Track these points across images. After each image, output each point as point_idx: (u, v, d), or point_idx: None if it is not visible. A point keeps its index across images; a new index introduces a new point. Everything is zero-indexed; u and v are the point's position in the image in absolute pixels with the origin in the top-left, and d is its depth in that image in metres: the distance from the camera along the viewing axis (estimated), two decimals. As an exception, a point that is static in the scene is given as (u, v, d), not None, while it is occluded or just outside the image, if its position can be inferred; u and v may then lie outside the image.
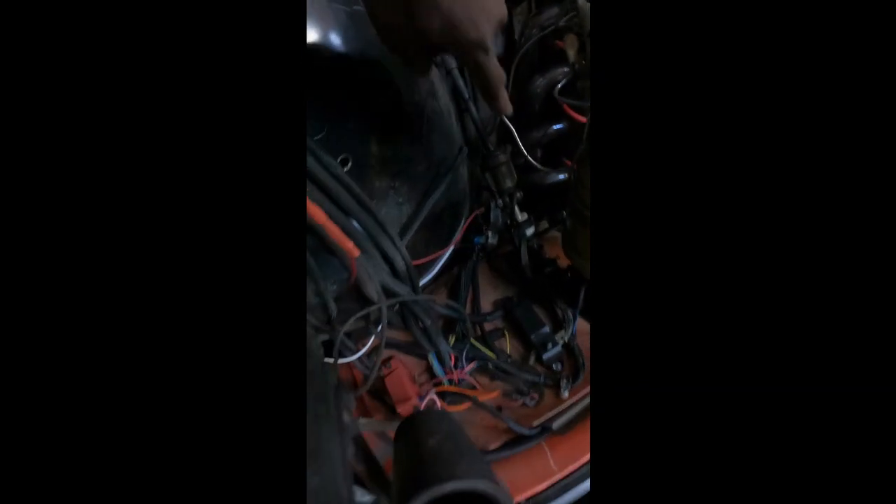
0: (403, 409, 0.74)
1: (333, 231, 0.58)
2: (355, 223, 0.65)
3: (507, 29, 0.88)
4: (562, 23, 0.74)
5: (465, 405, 0.75)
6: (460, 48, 0.50)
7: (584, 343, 0.79)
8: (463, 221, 0.82)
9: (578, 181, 0.72)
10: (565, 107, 0.82)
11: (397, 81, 0.69)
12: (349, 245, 0.55)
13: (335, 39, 0.61)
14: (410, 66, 0.53)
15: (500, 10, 0.51)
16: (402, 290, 0.70)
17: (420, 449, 0.44)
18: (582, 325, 0.81)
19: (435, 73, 0.79)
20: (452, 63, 0.82)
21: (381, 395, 0.78)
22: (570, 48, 0.75)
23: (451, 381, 0.77)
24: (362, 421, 0.68)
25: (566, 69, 0.80)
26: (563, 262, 0.86)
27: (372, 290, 0.68)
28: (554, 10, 0.78)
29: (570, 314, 0.80)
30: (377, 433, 0.71)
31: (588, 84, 0.78)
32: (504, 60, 0.85)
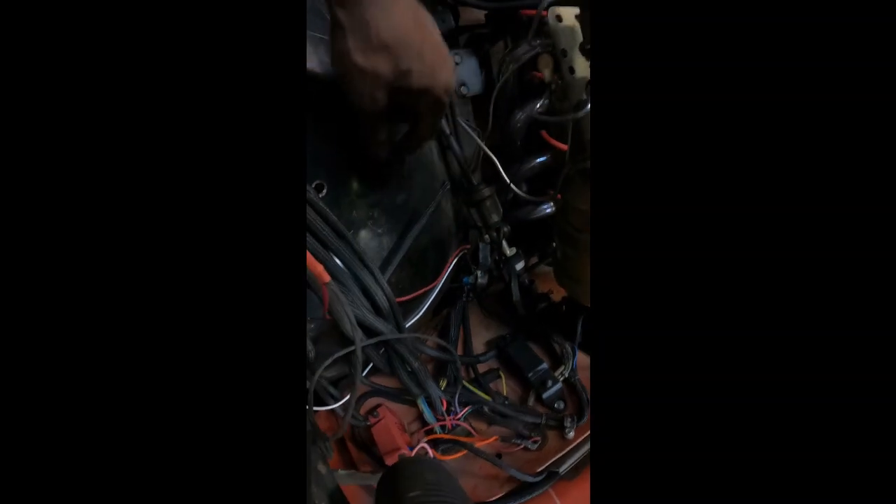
0: (392, 461, 0.68)
1: (300, 255, 0.54)
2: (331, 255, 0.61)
3: (486, 67, 0.88)
4: (536, 47, 0.74)
5: (461, 453, 0.68)
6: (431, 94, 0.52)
7: (586, 378, 0.74)
8: (449, 259, 0.78)
9: (565, 203, 0.69)
10: (546, 136, 0.80)
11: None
12: (318, 269, 0.50)
13: (315, 67, 0.59)
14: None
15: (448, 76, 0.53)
16: (385, 327, 0.65)
17: (401, 504, 0.41)
18: (582, 360, 0.76)
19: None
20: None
21: (368, 447, 0.71)
22: (546, 68, 0.75)
23: (443, 429, 0.71)
24: (342, 473, 0.61)
25: (545, 100, 0.79)
26: (557, 295, 0.82)
27: (347, 325, 0.63)
28: (527, 45, 0.78)
29: (568, 349, 0.75)
30: (363, 487, 0.65)
31: (565, 104, 0.77)
32: (484, 99, 0.85)
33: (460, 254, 0.80)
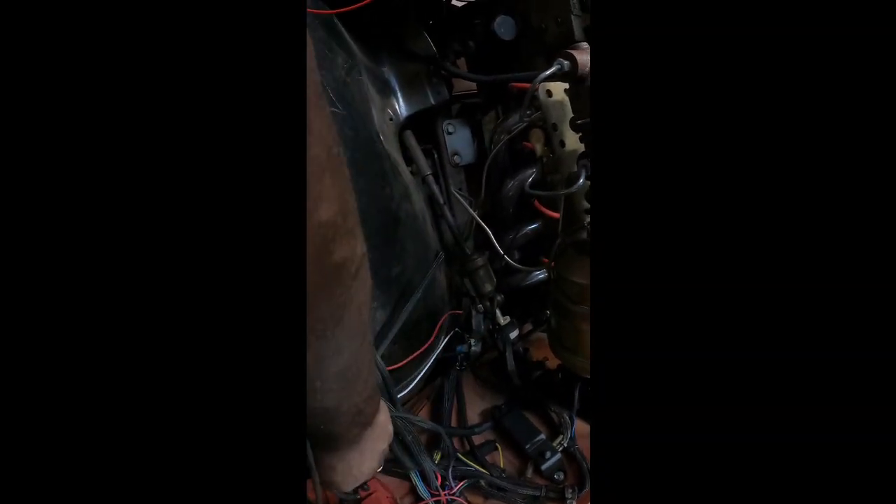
0: (384, 539, 0.66)
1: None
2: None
3: (478, 137, 0.90)
4: (525, 120, 0.76)
5: (457, 531, 0.66)
6: None
7: (585, 447, 0.73)
8: (441, 326, 0.78)
9: (558, 276, 0.70)
10: (538, 205, 0.82)
11: (369, 183, 0.68)
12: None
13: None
14: None
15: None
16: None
17: None
18: (581, 428, 0.75)
19: (409, 178, 0.79)
20: (427, 169, 0.82)
21: (359, 522, 0.69)
22: (537, 142, 0.77)
23: (439, 504, 0.69)
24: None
25: (535, 170, 0.81)
26: (552, 362, 0.81)
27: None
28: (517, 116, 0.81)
29: (566, 417, 0.74)
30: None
31: (556, 177, 0.78)
32: (477, 168, 0.87)
33: (447, 317, 0.81)
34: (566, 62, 0.59)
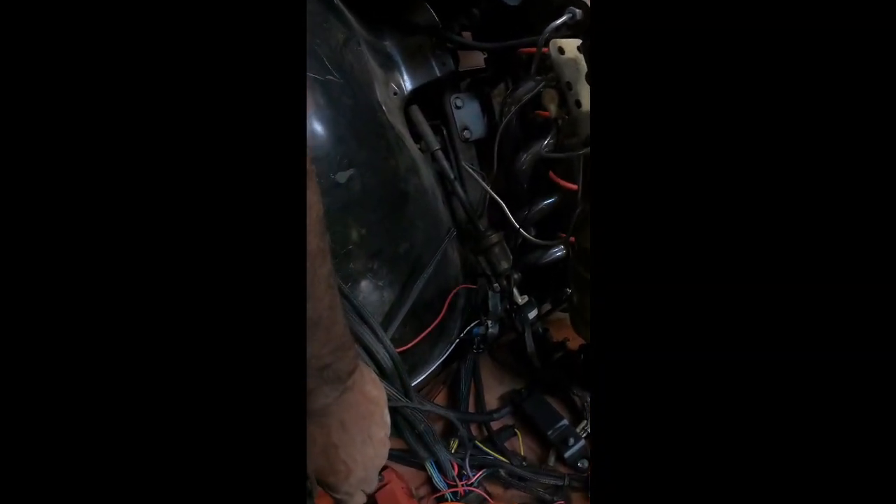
0: (400, 532, 0.62)
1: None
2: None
3: (488, 110, 0.86)
4: (539, 82, 0.71)
5: (477, 523, 0.62)
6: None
7: (610, 435, 0.68)
8: (456, 307, 0.74)
9: (580, 247, 0.66)
10: (554, 177, 0.77)
11: (372, 154, 0.64)
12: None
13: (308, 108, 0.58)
14: None
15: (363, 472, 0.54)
16: (389, 389, 0.61)
17: None
18: (606, 414, 0.70)
19: (417, 152, 0.75)
20: (436, 144, 0.79)
21: (375, 513, 0.66)
22: (551, 103, 0.72)
23: (455, 495, 0.65)
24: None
25: (551, 139, 0.77)
26: (574, 343, 0.77)
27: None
28: (529, 84, 0.76)
29: (589, 401, 0.70)
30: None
31: (573, 140, 0.74)
32: (488, 143, 0.82)
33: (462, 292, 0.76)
34: (578, 10, 0.55)
